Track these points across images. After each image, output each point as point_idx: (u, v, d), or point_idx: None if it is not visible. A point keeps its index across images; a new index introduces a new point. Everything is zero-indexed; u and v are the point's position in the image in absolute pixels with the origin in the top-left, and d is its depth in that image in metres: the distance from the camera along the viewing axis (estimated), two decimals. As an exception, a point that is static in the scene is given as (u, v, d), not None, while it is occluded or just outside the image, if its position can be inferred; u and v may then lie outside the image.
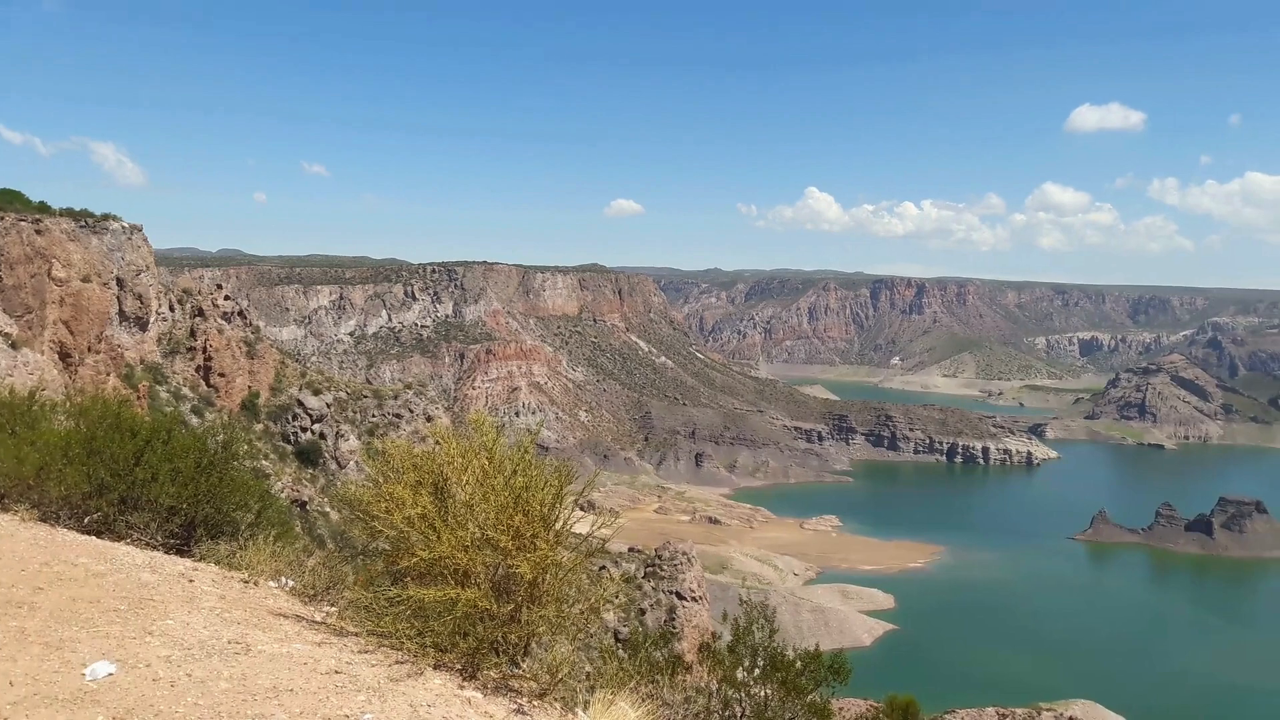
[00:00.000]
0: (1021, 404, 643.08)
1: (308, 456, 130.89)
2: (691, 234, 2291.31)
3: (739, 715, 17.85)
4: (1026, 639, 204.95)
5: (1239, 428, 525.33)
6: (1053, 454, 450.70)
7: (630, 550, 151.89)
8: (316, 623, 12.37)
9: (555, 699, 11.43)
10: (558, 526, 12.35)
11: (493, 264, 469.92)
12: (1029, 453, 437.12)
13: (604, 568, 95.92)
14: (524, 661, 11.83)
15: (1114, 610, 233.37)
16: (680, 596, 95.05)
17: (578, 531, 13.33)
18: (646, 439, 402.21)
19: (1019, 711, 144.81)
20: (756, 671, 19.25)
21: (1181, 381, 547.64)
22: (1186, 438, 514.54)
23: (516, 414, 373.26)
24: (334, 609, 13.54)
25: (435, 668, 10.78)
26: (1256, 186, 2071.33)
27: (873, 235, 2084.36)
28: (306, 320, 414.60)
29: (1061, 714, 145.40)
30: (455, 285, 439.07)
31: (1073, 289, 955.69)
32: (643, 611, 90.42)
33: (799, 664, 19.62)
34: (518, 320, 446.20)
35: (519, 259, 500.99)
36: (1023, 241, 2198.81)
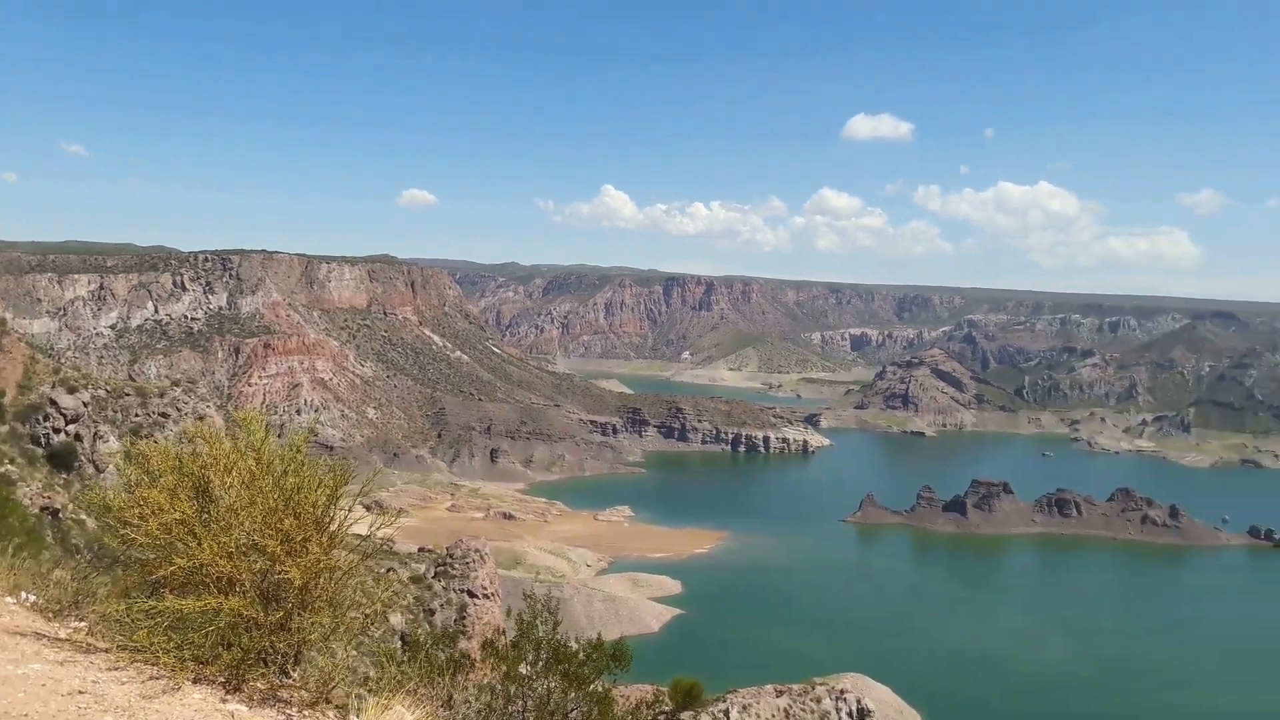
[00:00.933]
0: (799, 395, 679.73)
1: (61, 460, 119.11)
2: (488, 227, 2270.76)
3: (522, 710, 17.98)
4: (803, 618, 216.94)
5: (989, 415, 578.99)
6: (826, 442, 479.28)
7: (420, 550, 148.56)
8: (60, 640, 11.43)
9: (329, 707, 11.14)
10: (332, 528, 12.01)
11: (273, 253, 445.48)
12: (805, 441, 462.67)
13: (391, 569, 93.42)
14: (295, 670, 11.44)
15: (881, 587, 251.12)
16: (472, 594, 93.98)
17: (358, 533, 13.01)
18: (440, 436, 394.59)
19: (795, 687, 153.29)
20: (540, 665, 19.43)
21: (940, 374, 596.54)
22: (944, 425, 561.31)
23: (298, 412, 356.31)
24: (82, 624, 12.55)
25: (195, 681, 10.24)
26: (1007, 195, 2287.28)
27: (666, 234, 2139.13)
28: (61, 312, 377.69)
29: (834, 687, 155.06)
30: (230, 275, 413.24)
31: (846, 288, 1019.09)
32: (432, 612, 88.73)
33: (582, 654, 19.95)
34: (300, 313, 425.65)
35: (302, 248, 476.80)
36: (802, 243, 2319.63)
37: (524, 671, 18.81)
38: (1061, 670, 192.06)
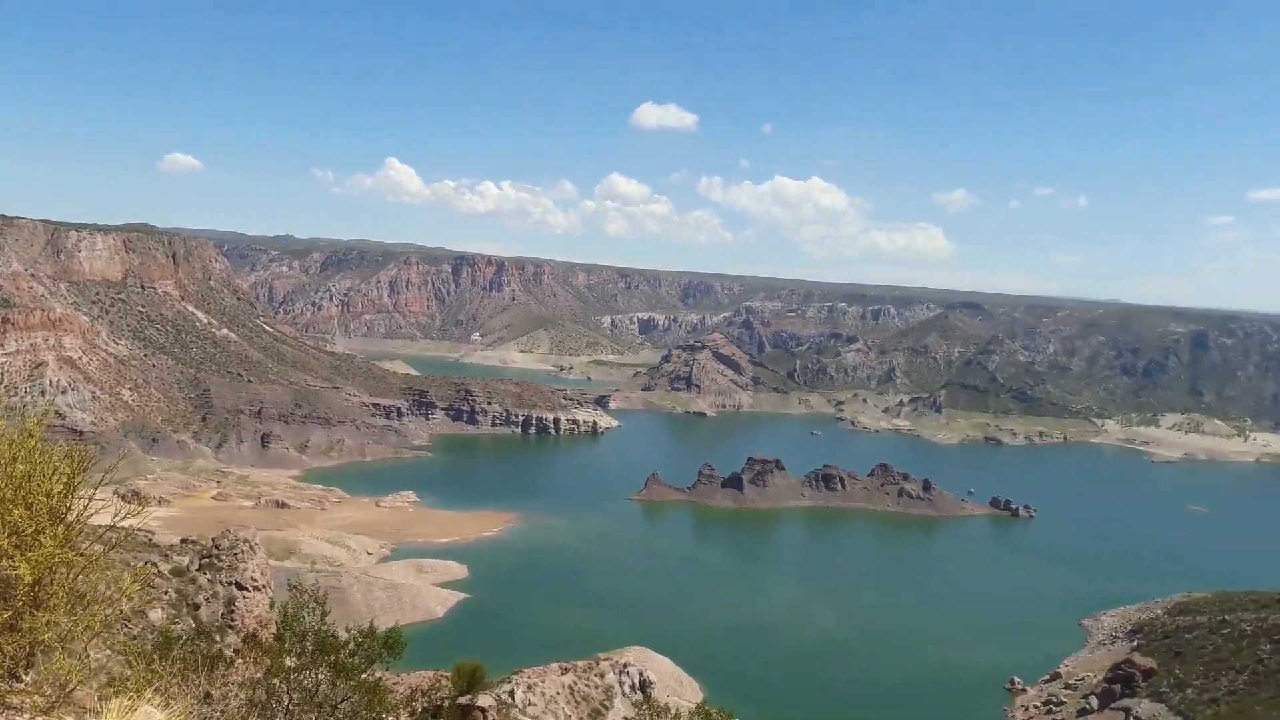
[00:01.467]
0: (589, 377, 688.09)
1: None
2: (260, 197, 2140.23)
3: (289, 704, 17.22)
4: (590, 596, 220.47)
5: (764, 397, 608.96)
6: (615, 423, 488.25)
7: (184, 541, 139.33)
8: None
9: (70, 710, 10.31)
10: (70, 519, 11.07)
11: (12, 219, 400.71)
12: (595, 422, 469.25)
13: (150, 562, 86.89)
14: (28, 674, 10.49)
15: (664, 563, 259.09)
16: (241, 587, 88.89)
17: (104, 524, 12.06)
18: (205, 419, 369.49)
19: (580, 664, 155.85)
20: (307, 656, 18.63)
21: (721, 357, 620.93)
22: (724, 406, 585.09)
23: (42, 393, 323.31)
24: None
25: (-99, 693, 9.18)
26: (783, 189, 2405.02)
27: (455, 211, 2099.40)
28: None
29: (618, 661, 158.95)
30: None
31: (634, 273, 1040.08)
32: (196, 606, 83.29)
33: (352, 644, 19.30)
34: (45, 285, 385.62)
35: (48, 214, 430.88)
36: (592, 227, 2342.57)
37: (290, 664, 17.97)
38: (827, 637, 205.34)
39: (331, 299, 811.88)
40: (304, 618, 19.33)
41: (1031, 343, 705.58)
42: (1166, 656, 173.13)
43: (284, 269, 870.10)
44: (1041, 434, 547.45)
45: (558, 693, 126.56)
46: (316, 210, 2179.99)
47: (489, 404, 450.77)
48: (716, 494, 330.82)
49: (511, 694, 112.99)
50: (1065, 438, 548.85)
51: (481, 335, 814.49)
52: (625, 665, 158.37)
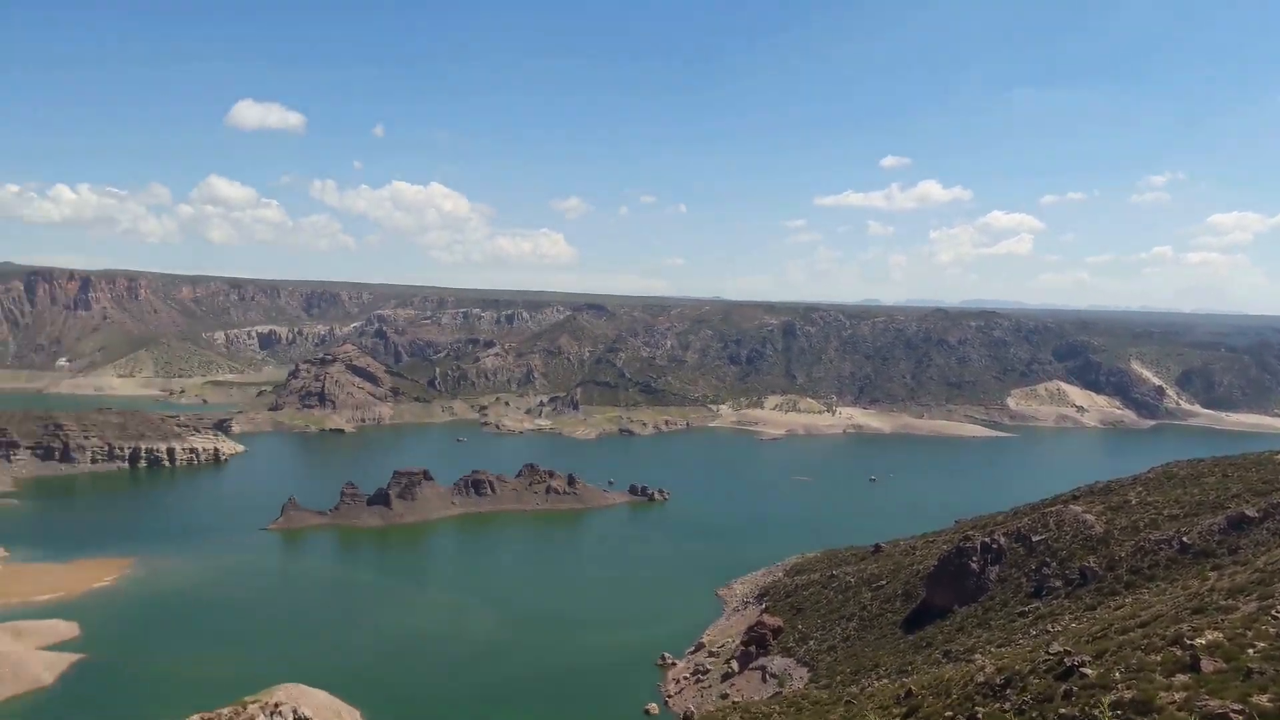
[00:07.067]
0: (205, 400, 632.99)
1: None
2: None
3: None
4: (228, 636, 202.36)
5: (406, 407, 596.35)
6: (240, 448, 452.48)
7: None
8: None
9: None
10: None
11: None
12: (216, 449, 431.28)
13: None
14: None
15: (308, 591, 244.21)
16: None
17: None
18: None
19: (225, 711, 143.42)
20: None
21: (355, 369, 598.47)
22: (363, 420, 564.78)
23: None
24: None
25: None
26: (402, 194, 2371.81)
27: (20, 220, 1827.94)
28: None
29: (267, 703, 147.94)
30: None
31: (248, 283, 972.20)
32: None
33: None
34: None
35: None
36: (193, 234, 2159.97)
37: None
38: (484, 639, 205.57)
39: None
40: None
41: (651, 339, 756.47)
42: (790, 614, 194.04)
43: None
44: (667, 422, 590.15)
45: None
46: None
47: (86, 438, 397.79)
48: (362, 513, 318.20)
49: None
50: (688, 424, 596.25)
51: (70, 361, 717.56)
52: (277, 705, 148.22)
